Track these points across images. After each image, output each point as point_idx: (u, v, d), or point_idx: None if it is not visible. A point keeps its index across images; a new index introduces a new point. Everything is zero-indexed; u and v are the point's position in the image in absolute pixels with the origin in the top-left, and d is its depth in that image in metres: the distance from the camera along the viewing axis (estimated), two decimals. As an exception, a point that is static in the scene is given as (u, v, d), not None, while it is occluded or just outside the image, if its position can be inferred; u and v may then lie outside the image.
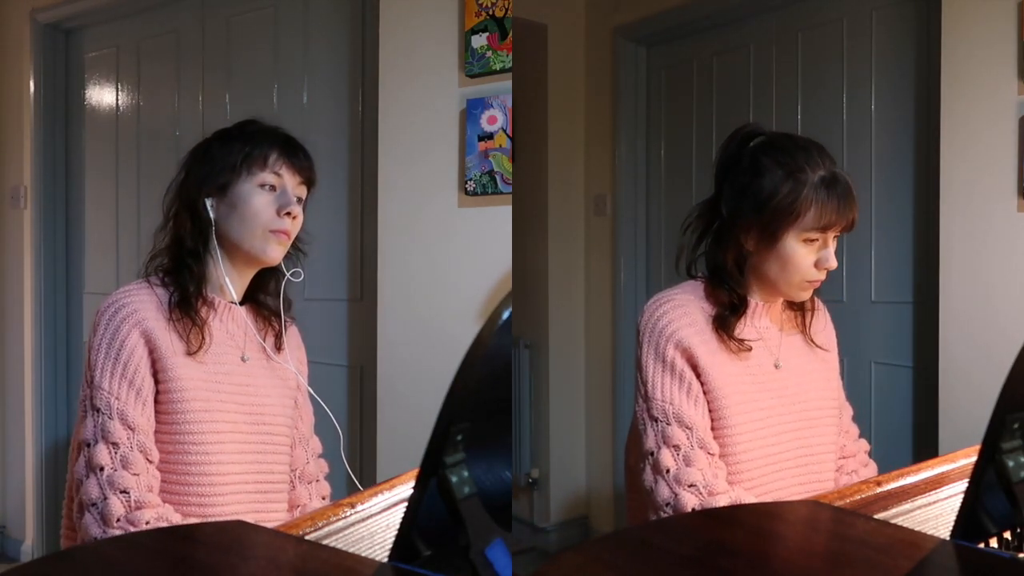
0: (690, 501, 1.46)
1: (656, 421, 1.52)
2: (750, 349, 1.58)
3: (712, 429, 1.53)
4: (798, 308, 1.68)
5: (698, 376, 1.54)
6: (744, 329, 1.59)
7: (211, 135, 1.61)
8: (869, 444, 1.80)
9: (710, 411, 1.54)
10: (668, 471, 1.49)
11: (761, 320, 1.62)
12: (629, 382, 3.33)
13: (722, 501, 1.46)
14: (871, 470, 1.74)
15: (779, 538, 1.09)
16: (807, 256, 1.53)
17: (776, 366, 1.61)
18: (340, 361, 2.70)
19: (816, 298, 1.70)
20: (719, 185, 1.61)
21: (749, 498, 1.48)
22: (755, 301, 1.61)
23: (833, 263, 1.54)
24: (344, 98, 2.73)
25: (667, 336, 1.55)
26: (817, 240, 1.52)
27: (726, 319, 1.57)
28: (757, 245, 1.55)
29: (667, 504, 1.48)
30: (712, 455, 1.51)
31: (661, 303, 1.59)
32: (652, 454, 1.51)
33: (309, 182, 1.59)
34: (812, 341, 1.68)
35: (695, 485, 1.47)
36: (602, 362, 3.43)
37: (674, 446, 1.50)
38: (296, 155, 1.57)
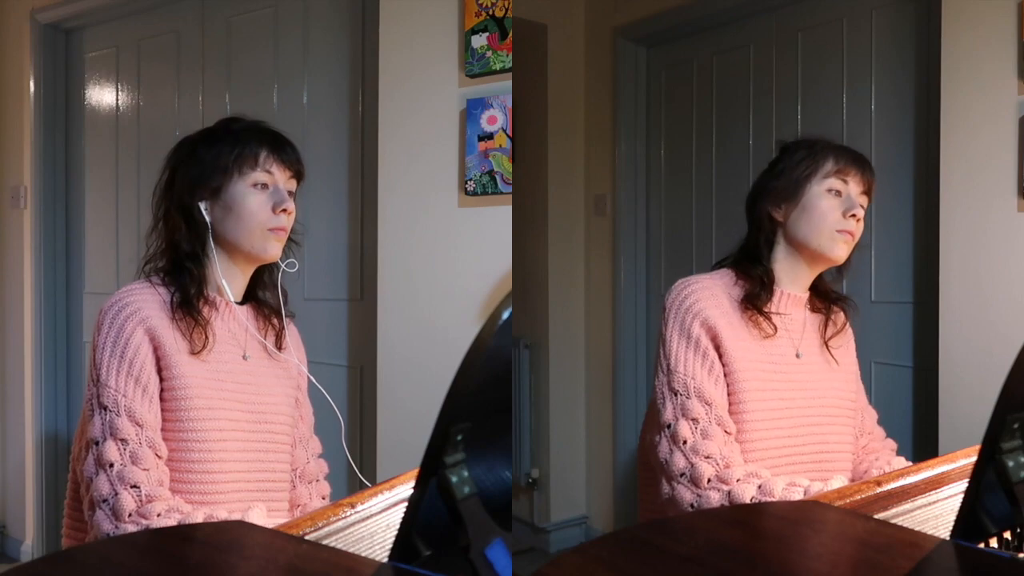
0: (706, 471, 1.47)
1: (676, 394, 1.54)
2: (775, 330, 1.61)
3: (730, 413, 1.54)
4: (824, 309, 1.70)
5: (720, 358, 1.56)
6: (769, 311, 1.62)
7: (194, 134, 1.60)
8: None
9: (729, 394, 1.55)
10: (685, 442, 1.50)
11: (786, 309, 1.64)
12: (629, 382, 3.33)
13: (738, 473, 1.46)
14: (900, 463, 1.71)
15: (779, 538, 1.09)
16: (832, 207, 1.60)
17: (797, 355, 1.63)
18: (340, 361, 2.70)
19: (848, 320, 1.73)
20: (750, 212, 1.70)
21: (765, 473, 1.48)
22: (780, 290, 1.64)
23: (859, 210, 1.60)
24: (344, 98, 2.73)
25: (694, 313, 1.57)
26: (840, 195, 1.60)
27: (756, 295, 1.61)
28: (785, 208, 1.62)
29: (682, 474, 1.49)
30: (729, 433, 1.52)
31: (690, 283, 1.62)
32: (670, 426, 1.53)
33: (299, 175, 1.60)
34: (827, 348, 1.69)
35: (711, 456, 1.48)
36: (602, 362, 3.43)
37: (692, 419, 1.51)
38: (284, 150, 1.57)
